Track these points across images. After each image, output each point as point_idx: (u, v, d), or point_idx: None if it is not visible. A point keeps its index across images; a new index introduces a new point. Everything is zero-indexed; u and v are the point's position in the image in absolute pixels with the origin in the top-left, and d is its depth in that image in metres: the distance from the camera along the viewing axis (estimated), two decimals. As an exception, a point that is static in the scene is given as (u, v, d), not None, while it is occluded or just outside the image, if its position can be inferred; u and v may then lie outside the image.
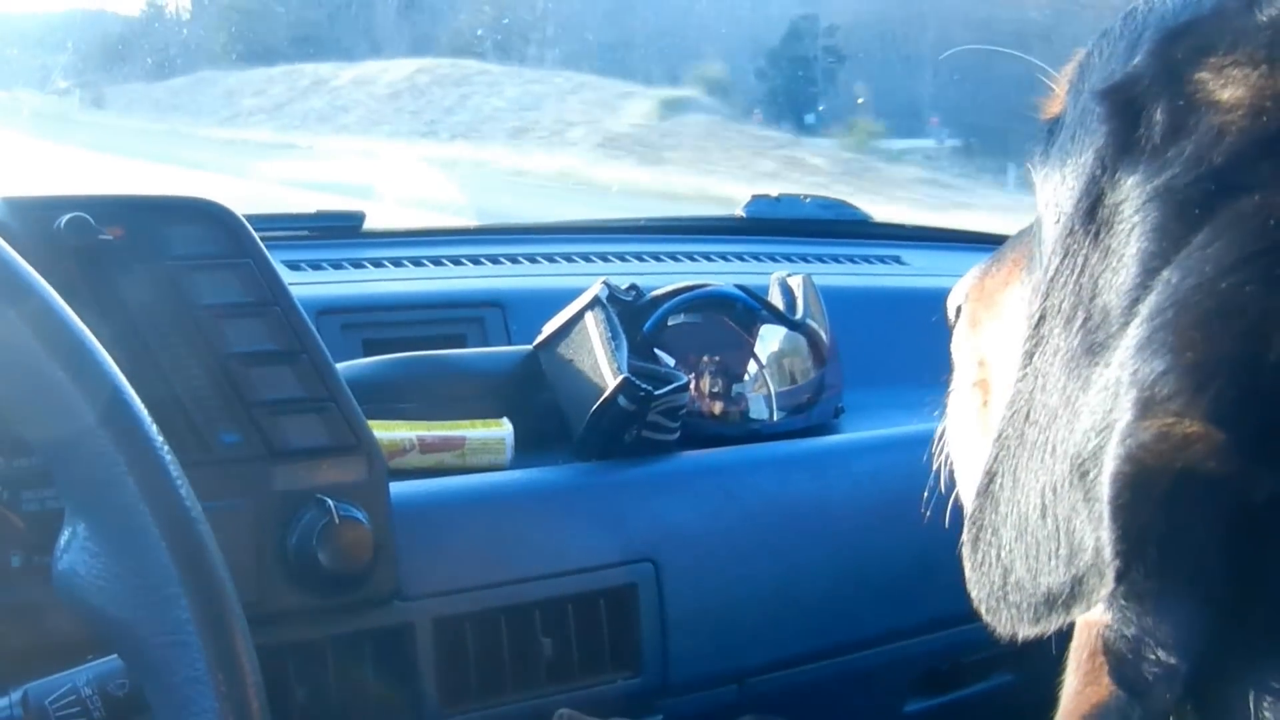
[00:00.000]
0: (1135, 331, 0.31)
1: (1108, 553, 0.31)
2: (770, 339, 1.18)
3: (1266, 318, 0.29)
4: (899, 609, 1.11)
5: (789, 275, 1.26)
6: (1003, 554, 0.36)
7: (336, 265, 1.19)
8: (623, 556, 0.97)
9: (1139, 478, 0.30)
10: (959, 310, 0.61)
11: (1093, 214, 0.34)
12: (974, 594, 0.38)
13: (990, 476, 0.37)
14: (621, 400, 0.99)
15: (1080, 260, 0.34)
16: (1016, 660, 1.21)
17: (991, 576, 0.36)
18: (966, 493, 0.58)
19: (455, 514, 0.93)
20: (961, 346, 0.60)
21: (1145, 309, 0.31)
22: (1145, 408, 0.30)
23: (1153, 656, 0.36)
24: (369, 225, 1.26)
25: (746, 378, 1.16)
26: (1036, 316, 0.36)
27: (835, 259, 1.55)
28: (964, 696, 1.22)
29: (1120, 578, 0.31)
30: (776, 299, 1.24)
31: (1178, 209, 0.32)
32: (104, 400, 0.58)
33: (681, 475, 1.04)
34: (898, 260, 1.60)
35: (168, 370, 0.84)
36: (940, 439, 0.60)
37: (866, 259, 1.58)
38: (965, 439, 0.57)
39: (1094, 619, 0.42)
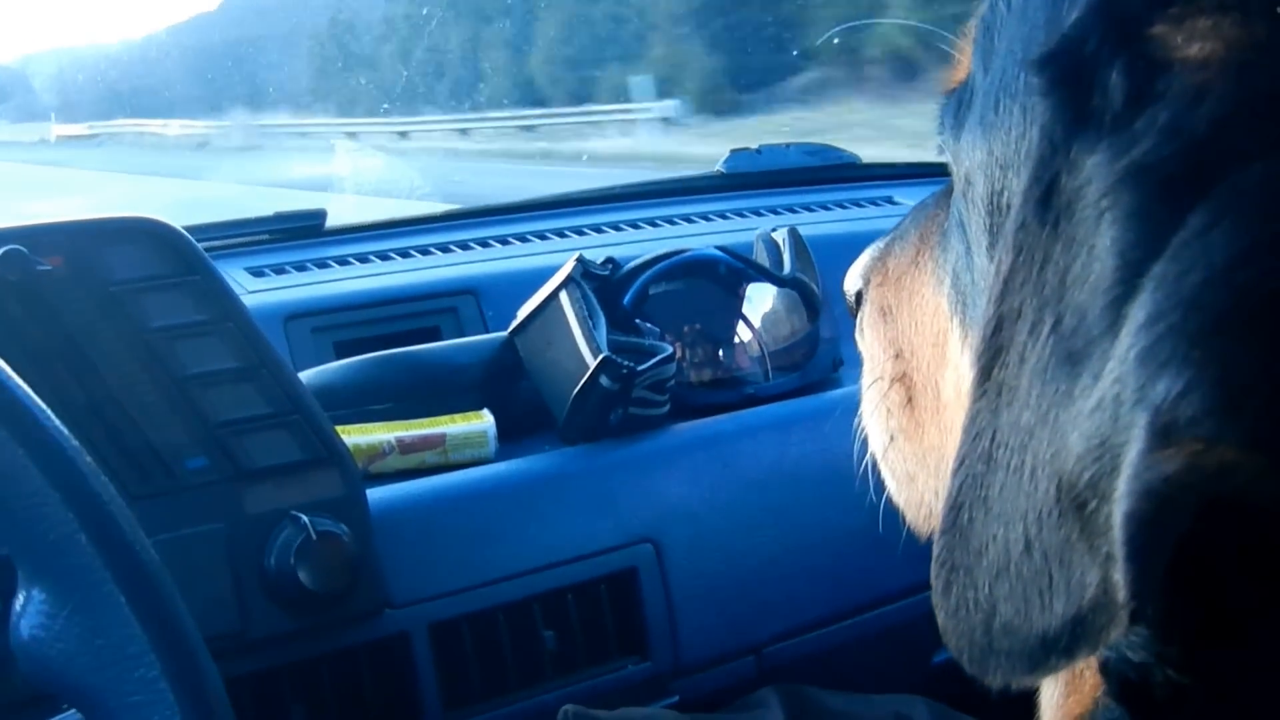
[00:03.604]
0: (1132, 340, 0.26)
1: (1122, 595, 0.27)
2: (758, 298, 1.14)
3: None
4: (919, 561, 1.06)
5: (773, 230, 1.22)
6: (981, 596, 0.32)
7: (301, 267, 1.15)
8: (620, 540, 0.94)
9: (1160, 515, 0.26)
10: (859, 296, 0.57)
11: (1048, 202, 0.30)
12: (952, 645, 0.33)
13: (956, 509, 0.33)
14: (603, 380, 0.96)
15: (1040, 256, 0.30)
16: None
17: (971, 623, 0.32)
18: (898, 495, 0.54)
19: (441, 514, 0.90)
20: (871, 337, 0.55)
21: (1141, 312, 0.26)
22: (1165, 434, 0.25)
23: (1161, 678, 0.32)
24: (331, 222, 1.23)
25: (736, 341, 1.12)
26: (991, 324, 0.32)
27: (824, 206, 1.50)
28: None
29: (1135, 617, 0.27)
30: (761, 256, 1.19)
31: (1158, 189, 0.27)
32: (49, 459, 0.55)
33: (675, 449, 1.00)
34: (890, 201, 1.55)
35: (124, 399, 0.81)
36: (859, 434, 0.56)
37: (857, 202, 1.53)
38: (888, 438, 0.53)
39: None
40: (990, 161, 0.37)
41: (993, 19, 0.39)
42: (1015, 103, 0.35)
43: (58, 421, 0.57)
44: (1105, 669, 0.35)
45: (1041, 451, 0.29)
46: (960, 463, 0.33)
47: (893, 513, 0.56)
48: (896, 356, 0.53)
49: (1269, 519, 0.28)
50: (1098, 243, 0.28)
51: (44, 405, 0.57)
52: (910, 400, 0.52)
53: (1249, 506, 0.26)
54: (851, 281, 0.58)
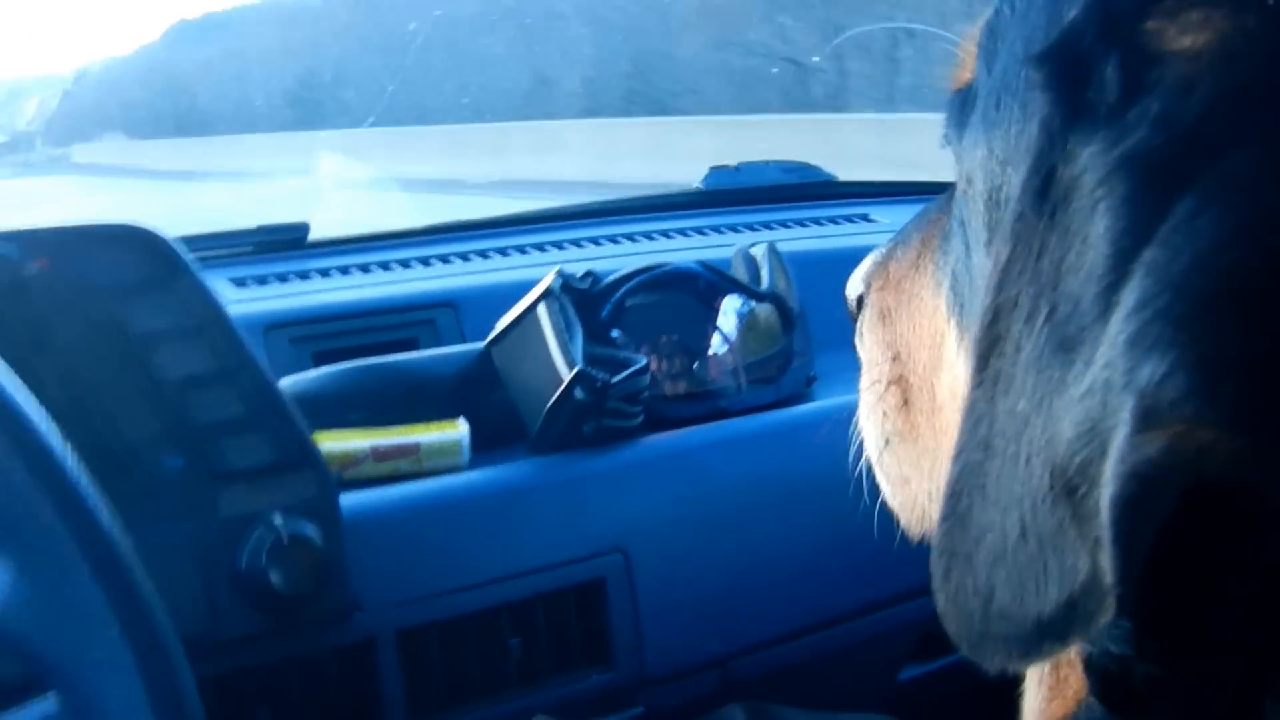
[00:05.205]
0: (1121, 325, 0.27)
1: (1110, 580, 0.28)
2: (734, 312, 1.16)
3: (1267, 280, 0.26)
4: (887, 577, 1.09)
5: (751, 245, 1.24)
6: (979, 582, 0.32)
7: (282, 279, 1.17)
8: (590, 550, 0.96)
9: (1145, 499, 0.27)
10: (860, 300, 0.57)
11: (1045, 193, 0.31)
12: (951, 630, 0.34)
13: (955, 497, 0.33)
14: (577, 392, 0.97)
15: (1037, 246, 0.31)
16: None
17: (970, 608, 0.32)
18: (892, 498, 0.54)
19: (412, 521, 0.91)
20: (870, 340, 0.56)
21: (1130, 298, 0.27)
22: (1148, 417, 0.26)
23: (1143, 673, 0.33)
24: (315, 235, 1.24)
25: (711, 354, 1.13)
26: (989, 313, 0.33)
27: (801, 223, 1.52)
28: (962, 658, 1.19)
29: (1123, 603, 0.28)
30: (740, 270, 1.21)
31: (1149, 178, 0.28)
32: (12, 426, 0.57)
33: (647, 461, 1.02)
34: (865, 218, 1.57)
35: (106, 400, 0.82)
36: (854, 438, 0.56)
37: (833, 220, 1.55)
38: (884, 441, 0.53)
39: None
40: (990, 158, 0.38)
41: (997, 22, 0.40)
42: (1015, 100, 0.36)
43: (24, 390, 0.59)
44: (1088, 665, 0.35)
45: (1036, 439, 0.29)
46: (959, 451, 0.33)
47: (884, 518, 0.55)
48: (894, 359, 0.53)
49: (1258, 510, 0.28)
50: (1091, 231, 0.29)
51: (11, 375, 0.59)
52: (906, 402, 0.52)
53: (1237, 495, 0.27)
54: (853, 286, 0.59)
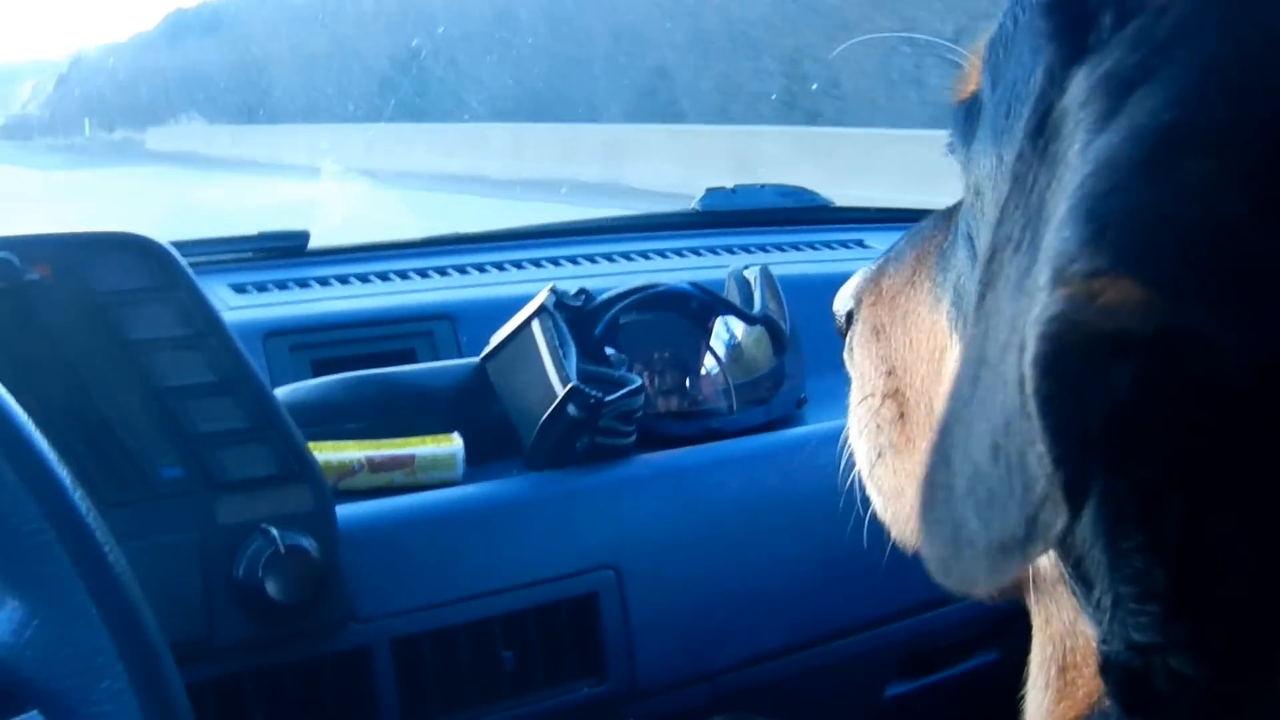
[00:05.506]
0: (1060, 209, 0.28)
1: (1048, 463, 0.27)
2: (726, 333, 1.17)
3: (1186, 142, 0.26)
4: (874, 597, 1.10)
5: (745, 267, 1.25)
6: (954, 511, 0.32)
7: (282, 286, 1.18)
8: (582, 565, 0.97)
9: (1061, 359, 0.26)
10: (849, 316, 0.57)
11: (1041, 129, 0.31)
12: (927, 558, 0.34)
13: (943, 432, 0.34)
14: (571, 409, 0.98)
15: (1030, 180, 0.31)
16: (1000, 637, 1.20)
17: (944, 536, 0.33)
18: (884, 511, 0.54)
19: (407, 533, 0.92)
20: (861, 356, 0.55)
21: (1073, 186, 0.28)
22: (1059, 277, 0.27)
23: (1170, 669, 0.33)
24: (314, 244, 1.25)
25: (704, 373, 1.15)
26: (987, 254, 0.33)
27: (795, 246, 1.53)
28: (947, 677, 1.21)
29: (1071, 496, 0.27)
30: (733, 293, 1.23)
31: (1121, 88, 0.28)
32: (29, 470, 0.57)
33: (640, 479, 1.03)
34: (860, 244, 1.59)
35: (104, 408, 0.83)
36: (844, 452, 0.57)
37: (828, 244, 1.57)
38: (877, 454, 0.53)
39: (1062, 630, 0.40)
40: (999, 167, 0.38)
41: (1000, 35, 0.41)
42: (1024, 104, 0.36)
43: (39, 433, 0.59)
44: (1106, 664, 0.35)
45: (1012, 361, 0.29)
46: (954, 387, 0.33)
47: (873, 537, 0.56)
48: (889, 374, 0.53)
49: (1211, 378, 0.28)
50: (1070, 151, 0.29)
51: (27, 416, 0.59)
52: (902, 416, 0.52)
53: (1161, 348, 0.27)
54: (842, 302, 0.58)
